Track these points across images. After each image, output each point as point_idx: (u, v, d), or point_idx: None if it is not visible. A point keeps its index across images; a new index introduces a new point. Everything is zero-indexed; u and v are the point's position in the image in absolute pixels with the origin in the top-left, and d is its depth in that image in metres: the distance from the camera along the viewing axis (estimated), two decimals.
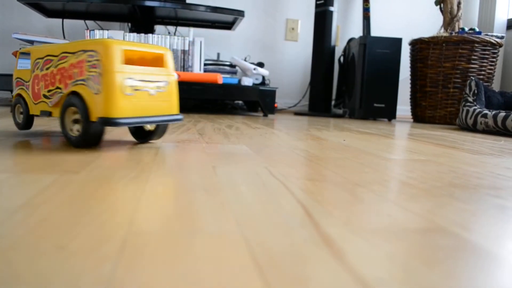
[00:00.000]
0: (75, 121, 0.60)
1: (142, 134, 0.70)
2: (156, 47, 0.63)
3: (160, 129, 0.68)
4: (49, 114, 0.64)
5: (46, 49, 0.64)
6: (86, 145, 0.59)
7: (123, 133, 0.82)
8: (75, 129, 0.60)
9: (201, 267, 0.21)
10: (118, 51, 0.56)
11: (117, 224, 0.27)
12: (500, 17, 2.53)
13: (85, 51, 0.57)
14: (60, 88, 0.61)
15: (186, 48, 1.91)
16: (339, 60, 2.48)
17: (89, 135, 0.58)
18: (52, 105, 0.63)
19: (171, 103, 0.64)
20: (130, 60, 0.61)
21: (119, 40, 0.57)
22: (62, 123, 0.60)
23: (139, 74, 0.58)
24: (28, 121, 0.70)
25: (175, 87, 0.65)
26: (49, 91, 0.63)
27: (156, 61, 0.64)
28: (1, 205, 0.30)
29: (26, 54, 0.69)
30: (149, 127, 0.69)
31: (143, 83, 0.59)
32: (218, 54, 2.27)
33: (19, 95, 0.70)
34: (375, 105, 2.07)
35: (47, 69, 0.63)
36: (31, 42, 1.77)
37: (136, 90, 0.58)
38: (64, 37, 2.06)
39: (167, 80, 0.63)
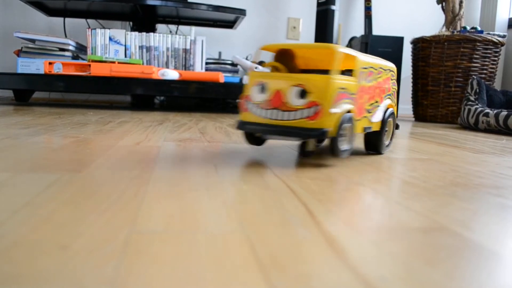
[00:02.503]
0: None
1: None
2: (384, 61, 0.67)
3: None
4: (369, 129, 0.61)
5: (368, 58, 0.60)
6: (389, 148, 0.71)
7: (120, 136, 0.82)
8: (387, 139, 0.69)
9: (204, 266, 0.21)
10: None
11: (119, 224, 0.27)
12: (502, 16, 2.52)
13: (390, 70, 0.66)
14: (377, 101, 0.63)
15: (188, 47, 1.91)
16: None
17: (392, 139, 0.72)
18: (372, 121, 0.61)
19: None
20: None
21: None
22: (381, 136, 0.65)
23: None
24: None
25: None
26: (370, 104, 0.60)
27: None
28: (3, 205, 0.30)
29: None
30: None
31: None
32: (220, 53, 2.27)
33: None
34: None
35: (369, 81, 0.60)
36: (33, 41, 1.77)
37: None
38: (66, 36, 2.06)
39: None
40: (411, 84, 2.36)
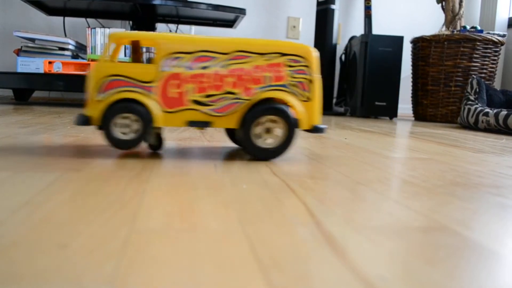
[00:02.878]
0: (265, 131, 0.54)
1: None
2: None
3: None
4: (205, 124, 0.53)
5: (198, 42, 0.53)
6: (280, 155, 0.55)
7: None
8: (267, 140, 0.54)
9: (203, 265, 0.21)
10: (318, 58, 0.56)
11: (119, 222, 0.27)
12: (502, 16, 2.52)
13: (283, 54, 0.54)
14: (234, 93, 0.53)
15: None
16: (340, 58, 2.48)
17: (291, 144, 0.54)
18: (217, 114, 0.53)
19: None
20: None
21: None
22: (247, 133, 0.53)
23: None
24: (146, 135, 0.52)
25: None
26: (208, 96, 0.53)
27: None
28: (3, 204, 0.30)
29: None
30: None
31: None
32: None
33: (126, 100, 0.51)
34: (377, 103, 2.06)
35: (203, 68, 0.53)
36: (33, 40, 1.77)
37: None
38: (66, 35, 2.06)
39: None
40: (411, 84, 2.36)
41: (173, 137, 0.77)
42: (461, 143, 0.93)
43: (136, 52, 0.60)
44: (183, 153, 0.58)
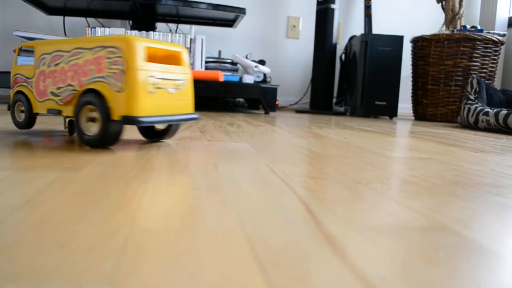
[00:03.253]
0: (91, 120, 0.57)
1: (153, 133, 0.68)
2: (173, 45, 0.62)
3: (172, 129, 0.67)
4: (58, 112, 0.61)
5: (55, 44, 0.61)
6: (103, 144, 0.57)
7: (126, 132, 0.82)
8: (91, 128, 0.57)
9: (203, 264, 0.21)
10: (141, 48, 0.55)
11: (119, 222, 0.27)
12: (502, 15, 2.52)
13: (104, 47, 0.55)
14: (72, 85, 0.59)
15: (188, 46, 1.91)
16: (340, 57, 2.48)
17: (108, 135, 0.56)
18: (62, 103, 0.60)
19: (187, 102, 0.63)
20: (148, 58, 0.59)
21: (140, 37, 0.56)
22: (77, 122, 0.58)
23: (160, 72, 0.58)
24: (30, 120, 0.67)
25: (191, 85, 0.64)
26: (58, 88, 0.60)
27: (172, 59, 0.63)
28: (2, 203, 0.30)
29: (27, 50, 0.71)
30: (161, 126, 0.67)
31: (163, 81, 0.58)
32: (220, 52, 2.27)
33: (19, 92, 0.67)
34: (377, 103, 2.06)
35: (56, 65, 0.61)
36: (32, 39, 1.77)
37: (158, 88, 0.57)
38: (66, 35, 2.06)
39: (185, 79, 0.63)
40: (411, 83, 2.36)
41: (173, 136, 0.77)
42: (461, 143, 0.93)
43: None
44: (183, 153, 0.58)
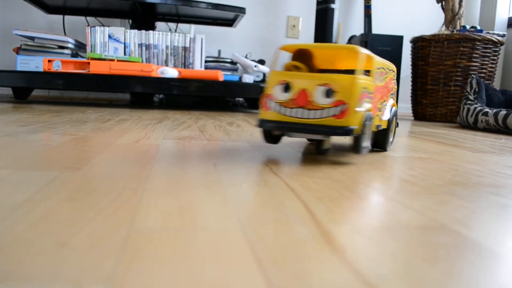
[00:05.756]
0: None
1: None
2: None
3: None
4: (379, 127, 0.63)
5: (380, 59, 0.62)
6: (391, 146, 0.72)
7: (119, 134, 0.82)
8: (391, 137, 0.70)
9: (203, 263, 0.21)
10: None
11: (118, 221, 0.27)
12: (502, 15, 2.52)
13: (392, 70, 0.68)
14: (385, 101, 0.65)
15: (187, 45, 1.91)
16: None
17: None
18: (383, 118, 0.64)
19: None
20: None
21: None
22: (389, 133, 0.67)
23: None
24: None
25: None
26: (381, 103, 0.64)
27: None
28: (2, 202, 0.30)
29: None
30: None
31: None
32: (219, 51, 2.27)
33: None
34: None
35: (380, 81, 0.62)
36: (32, 38, 1.77)
37: None
38: (65, 34, 2.06)
39: None
40: (410, 83, 2.36)
41: (172, 136, 0.77)
42: (461, 143, 0.94)
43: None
44: (182, 152, 0.58)
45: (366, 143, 0.56)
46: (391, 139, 0.70)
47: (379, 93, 0.61)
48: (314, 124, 0.52)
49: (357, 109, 0.52)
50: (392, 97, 0.68)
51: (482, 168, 0.58)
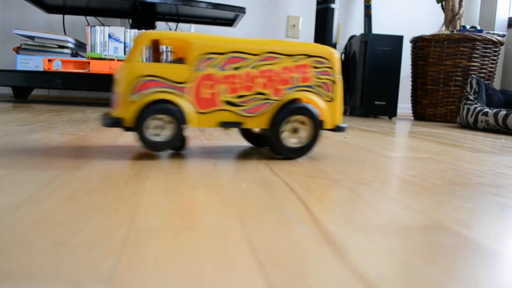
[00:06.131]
0: (293, 131, 0.55)
1: (256, 139, 0.66)
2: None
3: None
4: (238, 125, 0.54)
5: (231, 42, 0.53)
6: (306, 154, 0.56)
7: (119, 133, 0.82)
8: (291, 139, 0.55)
9: (203, 263, 0.21)
10: (339, 59, 0.59)
11: (118, 221, 0.27)
12: (502, 15, 2.52)
13: (309, 56, 0.55)
14: (264, 94, 0.54)
15: None
16: (340, 57, 2.48)
17: (316, 143, 0.56)
18: (249, 114, 0.54)
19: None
20: None
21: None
22: (277, 133, 0.54)
23: None
24: (180, 136, 0.52)
25: None
26: (239, 96, 0.53)
27: None
28: (1, 202, 0.30)
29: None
30: (258, 130, 0.65)
31: None
32: None
33: (160, 101, 0.50)
34: (376, 102, 2.07)
35: (235, 69, 0.53)
36: (32, 38, 1.77)
37: None
38: (65, 33, 2.06)
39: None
40: (410, 83, 2.36)
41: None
42: (460, 143, 0.94)
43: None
44: (182, 152, 0.58)
45: (158, 138, 0.51)
46: (293, 142, 0.55)
47: (224, 83, 0.53)
48: (110, 115, 0.51)
49: (131, 98, 0.49)
50: (302, 90, 0.55)
51: (482, 168, 0.58)
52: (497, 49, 1.97)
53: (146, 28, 1.94)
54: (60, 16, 2.19)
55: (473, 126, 1.53)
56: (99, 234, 0.24)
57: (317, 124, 0.55)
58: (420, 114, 2.10)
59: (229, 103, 0.53)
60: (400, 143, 0.85)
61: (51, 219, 0.27)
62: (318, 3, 2.24)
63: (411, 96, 2.18)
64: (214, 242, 0.24)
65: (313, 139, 0.56)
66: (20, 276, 0.19)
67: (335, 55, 0.57)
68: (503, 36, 1.99)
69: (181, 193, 0.35)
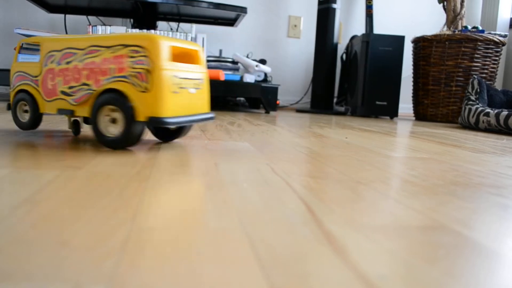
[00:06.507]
0: (110, 120, 0.55)
1: (165, 134, 0.67)
2: (191, 43, 0.61)
3: (185, 129, 0.66)
4: (70, 112, 0.59)
5: (65, 41, 0.59)
6: (125, 145, 0.55)
7: None
8: (110, 129, 0.55)
9: (204, 263, 0.21)
10: (166, 47, 0.54)
11: (119, 220, 0.27)
12: (503, 16, 2.52)
13: (126, 45, 0.54)
14: (87, 85, 0.56)
15: None
16: (341, 57, 2.47)
17: (131, 135, 0.54)
18: (76, 103, 0.58)
19: (204, 101, 0.63)
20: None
21: (163, 36, 0.55)
22: (95, 123, 0.56)
23: (183, 72, 0.57)
24: (35, 120, 0.64)
25: (207, 84, 0.63)
26: (70, 87, 0.58)
27: (189, 58, 0.62)
28: (3, 201, 0.30)
29: (31, 47, 0.66)
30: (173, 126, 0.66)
31: (186, 81, 0.58)
32: (221, 51, 2.27)
33: (23, 91, 0.63)
34: (377, 102, 2.06)
35: (67, 63, 0.59)
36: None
37: (181, 88, 0.56)
38: (67, 33, 2.06)
39: (203, 78, 0.62)
40: (411, 83, 2.36)
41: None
42: (462, 143, 0.93)
43: None
44: (183, 152, 0.58)
45: (21, 118, 0.66)
46: (111, 132, 0.56)
47: (61, 76, 0.59)
48: None
49: (12, 89, 0.65)
50: (118, 80, 0.54)
51: (483, 168, 0.58)
52: (498, 50, 1.97)
53: (148, 28, 1.94)
54: (62, 15, 2.19)
55: (475, 127, 1.53)
56: (99, 234, 0.24)
57: (128, 115, 0.53)
58: (422, 114, 2.10)
59: (64, 93, 0.59)
60: (401, 143, 0.85)
61: (52, 218, 0.27)
62: (319, 3, 2.24)
63: (413, 96, 2.18)
64: (216, 242, 0.24)
65: (126, 130, 0.54)
66: (20, 276, 0.19)
67: (155, 43, 0.53)
68: (505, 36, 1.99)
69: (183, 193, 0.35)
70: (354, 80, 2.20)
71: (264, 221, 0.29)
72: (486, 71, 1.96)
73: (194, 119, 0.59)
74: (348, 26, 2.68)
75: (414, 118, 2.26)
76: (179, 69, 0.56)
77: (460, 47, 1.94)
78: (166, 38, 0.55)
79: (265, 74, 2.02)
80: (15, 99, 0.65)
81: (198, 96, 0.61)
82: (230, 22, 2.17)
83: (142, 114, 0.53)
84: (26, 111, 0.65)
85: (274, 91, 1.83)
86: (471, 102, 1.60)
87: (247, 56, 2.08)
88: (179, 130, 0.66)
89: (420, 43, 2.06)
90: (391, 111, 2.08)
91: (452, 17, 2.10)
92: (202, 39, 1.91)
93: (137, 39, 0.54)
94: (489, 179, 0.50)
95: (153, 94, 0.53)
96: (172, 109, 0.54)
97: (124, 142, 0.55)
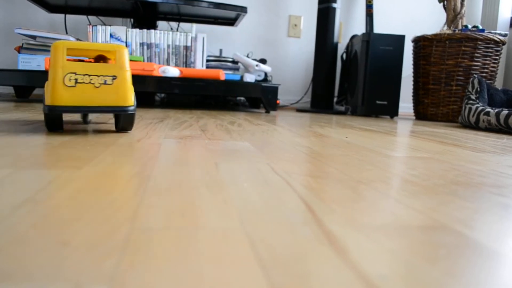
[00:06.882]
0: None
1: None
2: (108, 46, 0.73)
3: (122, 119, 0.75)
4: None
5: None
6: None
7: (121, 133, 0.82)
8: None
9: (204, 263, 0.21)
10: (62, 50, 0.68)
11: (120, 220, 0.27)
12: (504, 15, 2.52)
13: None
14: None
15: (189, 44, 1.91)
16: (341, 57, 2.47)
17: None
18: None
19: (118, 95, 0.72)
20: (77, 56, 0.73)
21: (67, 41, 0.68)
22: None
23: (82, 69, 0.69)
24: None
25: (125, 81, 0.72)
26: None
27: (111, 58, 0.75)
28: (3, 201, 0.30)
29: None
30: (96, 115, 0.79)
31: (86, 77, 0.69)
32: (221, 50, 2.27)
33: None
34: (378, 102, 2.06)
35: None
36: (34, 37, 1.77)
37: (79, 83, 0.68)
38: (67, 33, 2.06)
39: (116, 75, 0.71)
40: (412, 83, 2.36)
41: (174, 135, 0.77)
42: (462, 142, 0.93)
43: None
44: (183, 151, 0.58)
45: None
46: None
47: None
48: None
49: None
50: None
51: (484, 168, 0.57)
52: (499, 49, 1.97)
53: (148, 28, 1.94)
54: (62, 15, 2.19)
55: (475, 126, 1.53)
56: (100, 234, 0.24)
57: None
58: (422, 113, 2.10)
59: None
60: (402, 143, 0.85)
61: (53, 218, 0.27)
62: (319, 3, 2.24)
63: (413, 96, 2.18)
64: (216, 242, 0.24)
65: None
66: (20, 276, 0.19)
67: (55, 47, 0.68)
68: (505, 35, 1.99)
69: (183, 192, 0.35)
70: (354, 80, 2.20)
71: (265, 220, 0.29)
72: (486, 70, 1.96)
73: (95, 109, 0.70)
74: (348, 26, 2.68)
75: (414, 117, 2.26)
76: (76, 67, 0.69)
77: (460, 46, 1.94)
78: (66, 43, 0.68)
79: (265, 74, 2.02)
80: None
81: (106, 90, 0.71)
82: (230, 22, 2.17)
83: (47, 101, 0.68)
84: None
85: (274, 90, 1.83)
86: (471, 101, 1.60)
87: (247, 56, 2.08)
88: (116, 120, 0.77)
89: (420, 42, 2.06)
90: (392, 111, 2.08)
91: (452, 16, 2.10)
92: (202, 39, 1.91)
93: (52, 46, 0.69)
94: (490, 178, 0.50)
95: (50, 86, 0.67)
96: (65, 99, 0.68)
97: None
